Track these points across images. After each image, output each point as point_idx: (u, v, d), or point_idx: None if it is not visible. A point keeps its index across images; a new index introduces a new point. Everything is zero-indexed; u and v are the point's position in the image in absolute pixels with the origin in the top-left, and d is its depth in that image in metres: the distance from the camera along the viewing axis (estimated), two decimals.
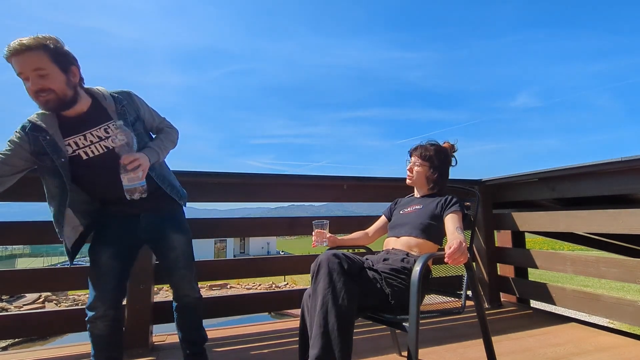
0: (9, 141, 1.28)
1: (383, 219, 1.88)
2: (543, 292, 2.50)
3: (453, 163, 1.76)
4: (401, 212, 1.74)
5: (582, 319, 2.34)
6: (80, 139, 1.32)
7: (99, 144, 1.34)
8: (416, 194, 1.81)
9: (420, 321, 1.18)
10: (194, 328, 1.59)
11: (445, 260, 1.16)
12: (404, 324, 1.22)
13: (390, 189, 2.66)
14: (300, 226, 2.39)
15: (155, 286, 2.04)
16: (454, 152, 1.78)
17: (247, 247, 45.92)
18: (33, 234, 1.86)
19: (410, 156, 1.78)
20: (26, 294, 16.11)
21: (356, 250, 1.89)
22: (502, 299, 2.84)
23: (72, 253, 1.42)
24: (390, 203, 1.91)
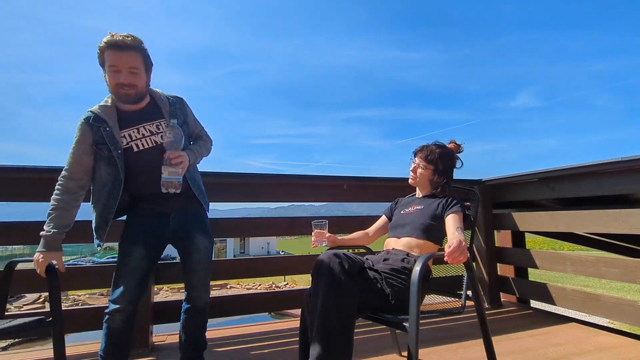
0: (75, 142, 1.39)
1: (383, 218, 1.87)
2: (543, 292, 2.50)
3: (458, 165, 1.74)
4: (402, 212, 1.74)
5: (582, 319, 2.34)
6: (134, 132, 1.43)
7: (150, 138, 1.45)
8: (418, 194, 1.80)
9: (421, 321, 1.18)
10: (199, 331, 1.59)
11: (445, 259, 1.16)
12: (404, 324, 1.22)
13: (390, 189, 2.66)
14: (300, 226, 2.39)
15: (155, 286, 2.04)
16: (459, 152, 1.76)
17: (247, 247, 45.93)
18: (33, 234, 1.86)
19: (415, 156, 1.76)
20: (26, 294, 16.12)
21: (356, 250, 1.89)
22: (502, 299, 2.84)
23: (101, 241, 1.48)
24: (391, 203, 1.91)
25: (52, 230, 1.34)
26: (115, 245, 1.58)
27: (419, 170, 1.71)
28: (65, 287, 1.98)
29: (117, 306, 1.41)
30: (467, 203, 1.73)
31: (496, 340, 1.65)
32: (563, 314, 2.47)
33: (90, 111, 1.40)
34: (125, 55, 1.34)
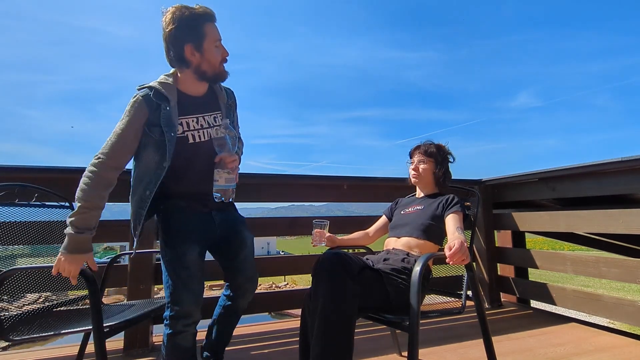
0: (127, 122, 1.20)
1: (384, 219, 1.87)
2: (543, 292, 2.50)
3: (451, 160, 1.77)
4: (402, 212, 1.74)
5: (582, 319, 2.34)
6: (192, 121, 1.28)
7: (207, 131, 1.31)
8: (418, 194, 1.81)
9: (421, 321, 1.18)
10: (233, 328, 1.51)
11: (447, 261, 1.16)
12: (404, 324, 1.22)
13: (390, 189, 2.66)
14: (300, 226, 2.39)
15: (155, 286, 2.04)
16: (446, 149, 1.79)
17: None
18: (33, 234, 1.86)
19: (412, 156, 1.78)
20: (26, 294, 16.11)
21: (356, 250, 1.89)
22: (502, 299, 2.84)
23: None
24: (391, 203, 1.91)
25: (85, 230, 1.15)
26: (115, 245, 1.55)
27: (421, 166, 1.72)
28: (65, 287, 1.98)
29: (190, 319, 1.21)
30: (467, 203, 1.73)
31: (496, 340, 1.65)
32: (563, 314, 2.47)
33: (148, 86, 1.24)
34: (217, 28, 1.24)
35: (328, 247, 1.67)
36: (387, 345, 1.89)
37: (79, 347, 1.54)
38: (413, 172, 1.75)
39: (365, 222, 2.19)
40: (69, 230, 1.14)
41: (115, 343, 1.92)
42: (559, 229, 2.39)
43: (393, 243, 1.63)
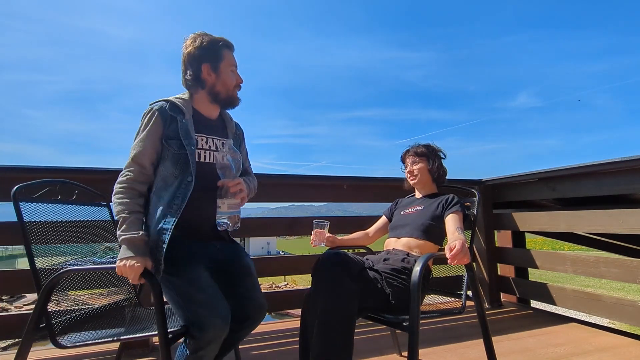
0: (146, 134, 1.19)
1: (383, 219, 1.88)
2: (543, 292, 2.50)
3: (442, 156, 1.80)
4: (402, 212, 1.74)
5: (582, 319, 2.34)
6: (203, 139, 1.28)
7: (213, 153, 1.30)
8: (417, 194, 1.81)
9: (421, 321, 1.18)
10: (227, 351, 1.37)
11: (449, 262, 1.17)
12: (404, 324, 1.22)
13: (390, 189, 2.66)
14: (300, 226, 2.39)
15: None
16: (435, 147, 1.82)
17: (247, 247, 45.98)
18: (33, 234, 1.86)
19: (404, 161, 1.83)
20: (26, 294, 16.13)
21: (356, 250, 1.89)
22: (502, 299, 2.84)
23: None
24: (391, 203, 1.91)
25: (140, 231, 1.11)
26: (115, 245, 1.48)
27: (415, 166, 1.75)
28: (65, 287, 1.98)
29: (210, 330, 1.06)
30: (468, 203, 1.74)
31: (496, 340, 1.65)
32: (563, 314, 2.47)
33: (165, 100, 1.24)
34: (234, 57, 1.32)
35: (328, 247, 1.67)
36: (387, 345, 1.89)
37: (79, 347, 1.53)
38: (409, 175, 1.79)
39: (365, 222, 2.19)
40: (121, 237, 1.10)
41: (115, 343, 1.92)
42: (559, 229, 2.38)
43: (393, 243, 1.63)
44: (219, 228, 1.22)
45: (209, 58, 1.27)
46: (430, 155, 1.75)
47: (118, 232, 1.12)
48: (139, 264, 1.06)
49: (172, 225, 1.14)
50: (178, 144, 1.19)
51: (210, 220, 1.24)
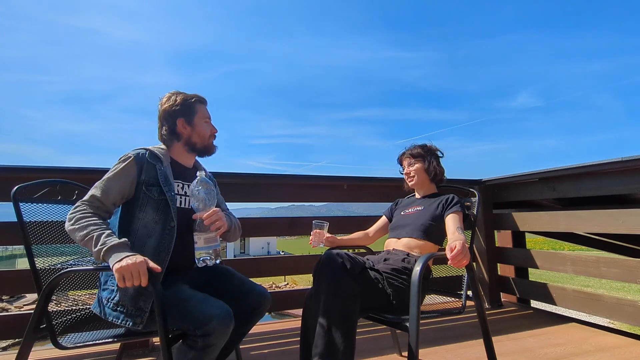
0: (114, 174, 1.20)
1: (384, 219, 1.88)
2: (543, 292, 2.50)
3: (440, 154, 1.80)
4: (402, 213, 1.74)
5: (582, 319, 2.34)
6: (179, 185, 1.32)
7: (189, 199, 1.32)
8: (417, 195, 1.81)
9: (421, 321, 1.18)
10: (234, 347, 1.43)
11: (449, 263, 1.17)
12: (404, 324, 1.22)
13: (390, 189, 2.66)
14: (300, 226, 2.39)
15: None
16: (432, 147, 1.82)
17: (247, 247, 45.94)
18: (33, 234, 1.86)
19: (401, 163, 1.83)
20: (26, 294, 16.13)
21: (356, 250, 1.89)
22: (502, 299, 2.84)
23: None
24: (391, 203, 1.92)
25: (121, 237, 1.09)
26: None
27: (412, 168, 1.75)
28: (66, 288, 1.98)
29: (211, 322, 1.05)
30: (468, 203, 1.74)
31: (497, 340, 1.65)
32: (563, 314, 2.47)
33: (144, 149, 1.29)
34: (207, 110, 1.41)
35: (327, 248, 1.68)
36: (387, 345, 1.89)
37: (79, 347, 1.53)
38: (407, 177, 1.79)
39: (365, 222, 2.19)
40: (106, 247, 1.04)
41: (115, 343, 1.92)
42: (559, 229, 2.39)
43: (393, 244, 1.63)
44: (198, 265, 1.18)
45: (183, 113, 1.34)
46: (426, 155, 1.75)
47: (96, 248, 1.04)
48: (141, 259, 1.01)
49: (162, 277, 1.12)
50: (158, 190, 1.22)
51: (189, 259, 1.25)
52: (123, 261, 1.00)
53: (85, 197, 1.17)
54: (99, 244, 1.04)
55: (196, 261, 1.18)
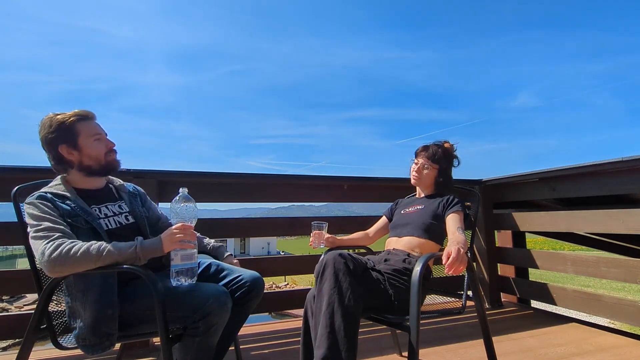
0: (42, 212, 1.11)
1: (384, 219, 1.88)
2: (544, 292, 2.50)
3: (455, 164, 1.75)
4: (402, 212, 1.74)
5: (583, 319, 2.34)
6: (96, 210, 1.25)
7: (113, 219, 1.26)
8: (418, 194, 1.81)
9: (421, 321, 1.18)
10: (237, 331, 1.39)
11: (446, 271, 1.16)
12: (404, 324, 1.22)
13: (390, 189, 2.66)
14: (300, 226, 2.39)
15: None
16: (453, 152, 1.77)
17: (247, 247, 45.94)
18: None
19: (417, 157, 1.76)
20: (26, 294, 16.13)
21: (356, 250, 1.89)
22: (502, 299, 2.84)
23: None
24: (391, 204, 1.92)
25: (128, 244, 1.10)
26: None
27: (424, 170, 1.71)
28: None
29: (207, 304, 1.07)
30: (468, 203, 1.73)
31: (497, 340, 1.65)
32: (564, 314, 2.47)
33: (42, 191, 1.17)
34: (97, 123, 1.28)
35: (327, 248, 1.68)
36: (387, 346, 1.89)
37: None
38: (415, 174, 1.74)
39: (365, 222, 2.19)
40: (131, 249, 1.07)
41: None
42: (559, 229, 2.38)
43: (394, 243, 1.63)
44: (173, 284, 1.12)
45: (62, 138, 1.20)
46: (443, 165, 1.69)
47: (130, 250, 1.06)
48: (167, 232, 1.10)
49: (115, 305, 1.10)
50: (82, 220, 1.16)
51: (160, 259, 1.23)
52: (163, 240, 1.09)
53: (46, 240, 1.04)
54: (126, 247, 1.07)
55: (171, 280, 1.11)
